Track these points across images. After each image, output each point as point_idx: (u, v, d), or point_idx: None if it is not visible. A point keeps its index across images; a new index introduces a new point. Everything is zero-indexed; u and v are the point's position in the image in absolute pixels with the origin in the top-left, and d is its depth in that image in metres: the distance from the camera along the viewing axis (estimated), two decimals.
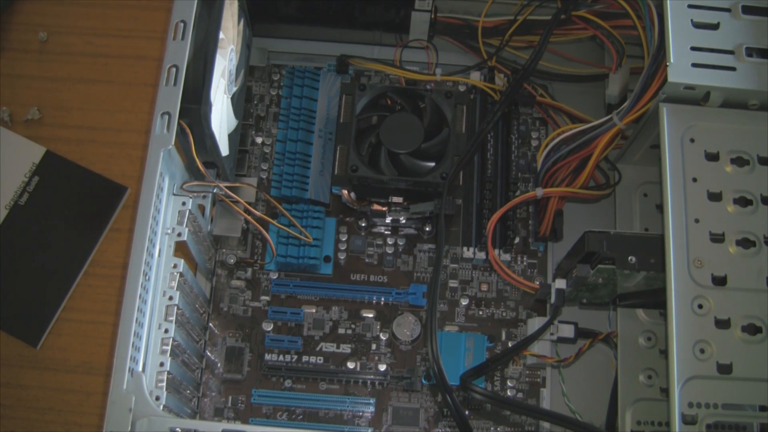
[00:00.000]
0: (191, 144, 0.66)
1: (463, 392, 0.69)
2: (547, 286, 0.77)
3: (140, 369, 0.62)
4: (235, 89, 0.77)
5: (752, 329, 0.61)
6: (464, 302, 0.83)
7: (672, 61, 0.65)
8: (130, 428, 0.58)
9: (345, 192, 0.79)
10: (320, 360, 0.80)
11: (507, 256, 0.83)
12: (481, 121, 0.86)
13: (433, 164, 0.77)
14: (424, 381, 0.79)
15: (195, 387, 0.77)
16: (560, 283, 0.74)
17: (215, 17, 0.68)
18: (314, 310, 0.82)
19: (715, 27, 0.67)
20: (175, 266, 0.67)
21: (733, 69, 0.65)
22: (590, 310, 0.81)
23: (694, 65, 0.65)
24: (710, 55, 0.66)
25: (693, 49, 0.66)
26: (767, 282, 0.62)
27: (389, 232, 0.85)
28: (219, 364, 0.80)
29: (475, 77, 0.87)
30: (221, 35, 0.69)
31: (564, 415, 0.69)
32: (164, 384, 0.64)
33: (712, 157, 0.65)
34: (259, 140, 0.88)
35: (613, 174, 0.82)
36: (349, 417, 0.79)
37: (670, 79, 0.65)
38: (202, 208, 0.74)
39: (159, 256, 0.66)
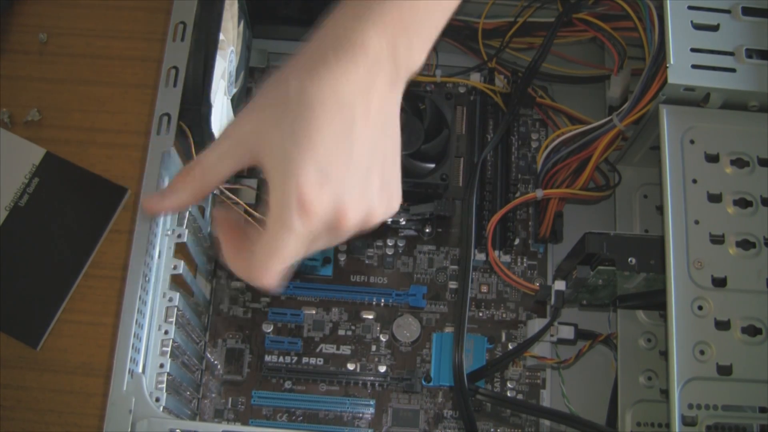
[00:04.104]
0: (191, 145, 0.66)
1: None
2: (547, 287, 0.77)
3: (140, 370, 0.62)
4: (235, 91, 0.77)
5: (752, 330, 0.61)
6: None
7: (672, 62, 0.65)
8: (130, 429, 0.58)
9: None
10: (320, 361, 0.80)
11: (507, 258, 0.83)
12: (481, 122, 0.86)
13: (433, 165, 0.77)
14: (423, 382, 0.79)
15: (195, 388, 0.77)
16: (560, 285, 0.74)
17: (215, 19, 0.68)
18: (314, 312, 0.82)
19: (715, 28, 0.67)
20: (175, 267, 0.67)
21: (733, 70, 0.65)
22: (590, 311, 0.81)
23: (694, 66, 0.65)
24: (710, 57, 0.66)
25: (693, 50, 0.66)
26: (767, 283, 0.62)
27: (389, 234, 0.85)
28: (219, 366, 0.80)
29: (476, 78, 0.87)
30: (221, 36, 0.69)
31: (578, 417, 0.69)
32: (164, 385, 0.64)
33: (712, 159, 0.65)
34: None
35: (613, 175, 0.82)
36: (349, 418, 0.79)
37: (670, 80, 0.65)
38: (202, 209, 0.74)
39: (159, 257, 0.66)
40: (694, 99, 0.66)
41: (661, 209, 0.65)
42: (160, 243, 0.66)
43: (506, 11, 0.86)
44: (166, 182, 0.67)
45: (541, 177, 0.80)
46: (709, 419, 0.58)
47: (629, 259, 0.66)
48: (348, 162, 0.48)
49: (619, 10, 0.76)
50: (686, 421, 0.58)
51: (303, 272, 0.83)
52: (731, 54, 0.66)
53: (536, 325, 0.77)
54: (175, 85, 0.64)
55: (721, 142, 0.65)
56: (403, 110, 0.80)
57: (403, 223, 0.83)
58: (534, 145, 0.89)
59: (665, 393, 0.68)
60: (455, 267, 0.84)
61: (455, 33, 0.89)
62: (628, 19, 0.74)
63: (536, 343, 0.76)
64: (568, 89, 0.89)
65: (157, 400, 0.63)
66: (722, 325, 0.60)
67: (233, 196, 0.74)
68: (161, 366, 0.65)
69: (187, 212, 0.69)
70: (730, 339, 0.60)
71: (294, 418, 0.79)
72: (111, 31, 0.96)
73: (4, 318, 0.83)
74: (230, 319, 0.82)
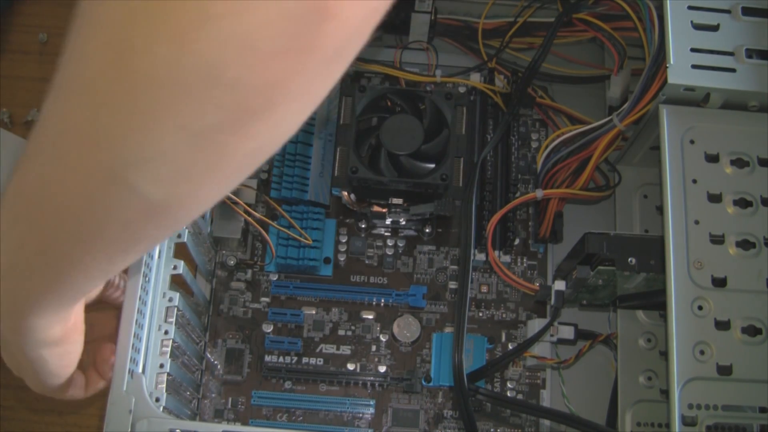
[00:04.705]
0: None
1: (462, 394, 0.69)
2: (547, 287, 0.77)
3: (140, 370, 0.62)
4: None
5: (752, 331, 0.61)
6: None
7: (672, 62, 0.65)
8: (129, 429, 0.58)
9: (345, 193, 0.79)
10: (320, 361, 0.80)
11: (507, 258, 0.83)
12: (481, 122, 0.86)
13: (433, 165, 0.77)
14: (423, 382, 0.79)
15: (195, 388, 0.77)
16: (560, 285, 0.74)
17: None
18: (314, 312, 0.82)
19: (715, 28, 0.67)
20: (174, 268, 0.67)
21: (733, 70, 0.65)
22: (590, 311, 0.81)
23: (694, 66, 0.65)
24: (710, 57, 0.66)
25: (693, 50, 0.66)
26: (767, 283, 0.62)
27: (389, 234, 0.85)
28: (219, 366, 0.80)
29: (475, 79, 0.87)
30: None
31: (578, 417, 0.69)
32: (164, 385, 0.64)
33: (712, 159, 0.65)
34: None
35: (613, 175, 0.82)
36: (349, 418, 0.79)
37: (670, 80, 0.65)
38: None
39: (159, 257, 0.66)
40: (694, 99, 0.66)
41: (661, 209, 0.65)
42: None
43: (506, 11, 0.86)
44: None
45: (541, 177, 0.80)
46: (709, 419, 0.58)
47: (629, 259, 0.66)
48: None
49: (619, 10, 0.76)
50: (686, 421, 0.58)
51: (303, 272, 0.83)
52: (731, 54, 0.66)
53: (536, 325, 0.77)
54: None
55: (721, 142, 0.65)
56: (402, 110, 0.80)
57: (403, 223, 0.83)
58: (534, 145, 0.89)
59: (665, 393, 0.68)
60: (455, 267, 0.84)
61: (455, 33, 0.89)
62: (628, 19, 0.74)
63: (536, 343, 0.76)
64: (568, 89, 0.89)
65: (157, 400, 0.63)
66: (722, 325, 0.60)
67: (233, 196, 0.74)
68: (161, 366, 0.65)
69: None
70: (730, 339, 0.60)
71: (294, 418, 0.79)
72: None
73: None
74: (230, 319, 0.82)
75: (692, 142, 0.65)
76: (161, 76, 0.29)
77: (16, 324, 0.46)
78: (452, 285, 0.83)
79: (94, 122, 0.32)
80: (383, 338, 0.81)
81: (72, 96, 0.33)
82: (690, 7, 0.67)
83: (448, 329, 0.81)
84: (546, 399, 0.80)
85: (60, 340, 0.49)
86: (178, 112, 0.30)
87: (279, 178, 0.81)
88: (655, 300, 0.69)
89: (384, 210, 0.81)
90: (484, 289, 0.83)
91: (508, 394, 0.80)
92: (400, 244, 0.85)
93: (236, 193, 0.76)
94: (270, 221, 0.78)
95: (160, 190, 0.34)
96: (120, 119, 0.31)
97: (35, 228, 0.38)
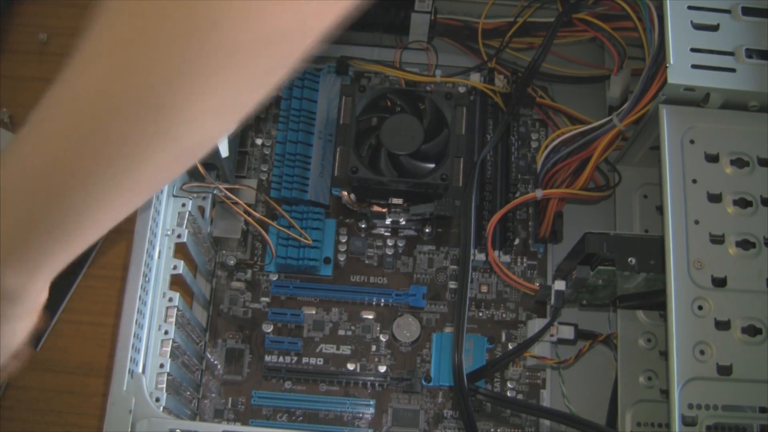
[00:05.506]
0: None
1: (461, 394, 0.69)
2: (546, 287, 0.77)
3: (140, 370, 0.62)
4: None
5: (752, 330, 0.61)
6: None
7: (672, 62, 0.65)
8: (130, 429, 0.58)
9: (345, 193, 0.79)
10: (320, 361, 0.80)
11: (507, 258, 0.83)
12: (481, 122, 0.86)
13: (432, 165, 0.77)
14: (423, 382, 0.79)
15: (195, 388, 0.77)
16: (560, 285, 0.74)
17: None
18: (314, 312, 0.82)
19: (714, 28, 0.67)
20: (175, 267, 0.67)
21: (732, 70, 0.65)
22: (590, 311, 0.81)
23: (694, 66, 0.65)
24: (710, 57, 0.66)
25: (693, 50, 0.66)
26: (767, 283, 0.62)
27: (389, 234, 0.85)
28: (219, 366, 0.80)
29: (475, 79, 0.87)
30: None
31: (578, 417, 0.69)
32: (164, 385, 0.65)
33: (712, 159, 0.65)
34: (258, 142, 0.88)
35: (613, 175, 0.82)
36: (349, 418, 0.79)
37: (670, 80, 0.65)
38: (201, 209, 0.74)
39: (159, 257, 0.66)
40: (694, 99, 0.66)
41: (661, 209, 0.65)
42: (160, 243, 0.67)
43: (506, 11, 0.86)
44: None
45: (541, 177, 0.80)
46: (709, 419, 0.58)
47: (629, 259, 0.66)
48: None
49: (619, 10, 0.76)
50: (686, 421, 0.58)
51: (303, 272, 0.83)
52: (731, 54, 0.66)
53: (536, 325, 0.77)
54: None
55: (721, 142, 0.65)
56: (402, 110, 0.80)
57: (403, 223, 0.83)
58: (534, 145, 0.89)
59: (665, 393, 0.68)
60: (455, 267, 0.84)
61: (455, 33, 0.89)
62: (628, 19, 0.74)
63: (536, 343, 0.76)
64: (568, 89, 0.89)
65: (157, 400, 0.63)
66: (722, 325, 0.60)
67: (233, 196, 0.74)
68: (161, 366, 0.65)
69: (187, 212, 0.69)
70: (730, 339, 0.60)
71: (294, 418, 0.79)
72: None
73: None
74: (230, 319, 0.82)
75: (692, 142, 0.65)
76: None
77: (22, 287, 0.45)
78: (452, 285, 0.83)
79: None
80: (383, 338, 0.81)
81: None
82: (690, 7, 0.67)
83: (448, 329, 0.82)
84: (546, 399, 0.80)
85: (32, 315, 0.49)
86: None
87: (279, 178, 0.81)
88: (655, 300, 0.69)
89: (384, 210, 0.81)
90: (484, 289, 0.83)
91: (508, 394, 0.80)
92: (400, 244, 0.85)
93: (236, 193, 0.76)
94: (270, 221, 0.78)
95: None
96: None
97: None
